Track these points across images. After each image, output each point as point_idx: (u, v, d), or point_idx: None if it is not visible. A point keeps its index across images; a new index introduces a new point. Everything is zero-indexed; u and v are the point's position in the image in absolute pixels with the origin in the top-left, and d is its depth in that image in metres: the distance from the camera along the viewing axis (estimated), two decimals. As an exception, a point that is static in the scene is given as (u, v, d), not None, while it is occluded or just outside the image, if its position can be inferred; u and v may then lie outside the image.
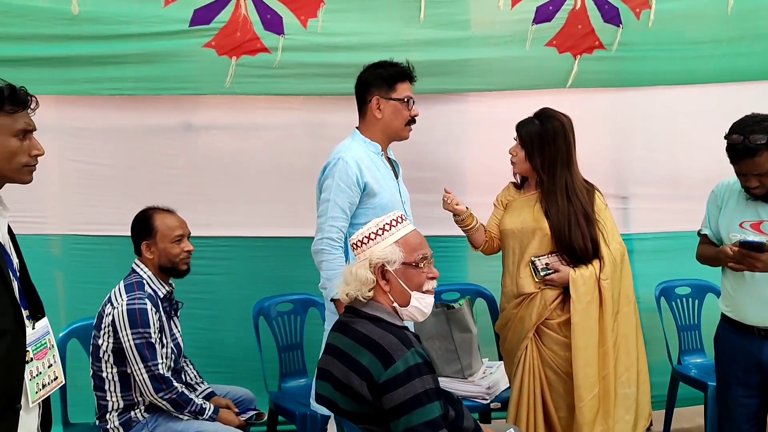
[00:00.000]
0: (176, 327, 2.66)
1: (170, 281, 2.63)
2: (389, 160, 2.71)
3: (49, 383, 1.74)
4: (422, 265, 1.94)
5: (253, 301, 3.17)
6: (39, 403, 1.72)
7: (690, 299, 3.48)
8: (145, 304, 2.44)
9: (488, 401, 2.90)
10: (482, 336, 3.14)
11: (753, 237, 2.38)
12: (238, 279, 3.26)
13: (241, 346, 3.22)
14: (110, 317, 2.45)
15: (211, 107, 3.26)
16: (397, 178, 2.70)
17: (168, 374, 2.46)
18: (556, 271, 2.65)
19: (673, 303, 3.45)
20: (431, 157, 3.31)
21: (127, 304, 2.43)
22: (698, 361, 3.44)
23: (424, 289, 1.94)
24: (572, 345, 2.61)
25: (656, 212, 3.54)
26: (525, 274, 2.70)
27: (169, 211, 2.64)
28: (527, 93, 3.39)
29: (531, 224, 2.69)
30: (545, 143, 2.64)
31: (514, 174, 2.84)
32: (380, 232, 1.91)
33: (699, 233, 2.68)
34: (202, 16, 3.04)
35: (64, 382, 1.83)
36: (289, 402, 2.93)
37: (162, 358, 2.45)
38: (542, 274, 2.66)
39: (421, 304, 1.94)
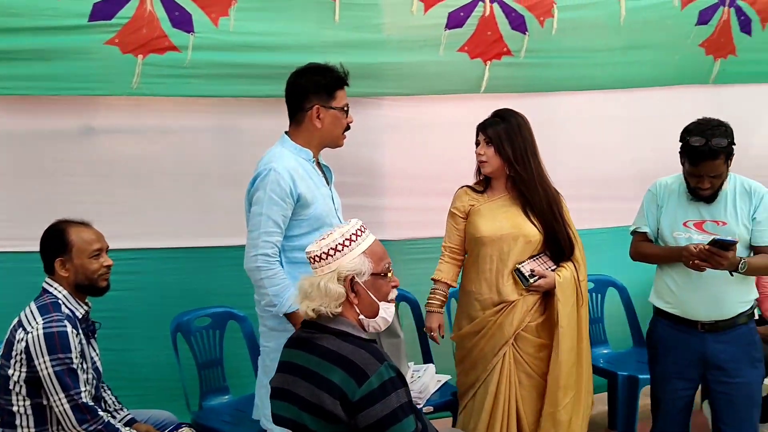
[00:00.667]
0: (94, 350, 2.43)
1: (87, 300, 2.39)
2: (320, 166, 2.62)
3: None
4: (389, 274, 1.90)
5: (165, 317, 2.98)
6: None
7: (593, 294, 3.68)
8: (65, 326, 2.20)
9: (421, 406, 2.89)
10: (406, 340, 3.14)
11: (723, 236, 2.47)
12: (149, 294, 3.05)
13: (155, 365, 3.02)
14: (23, 343, 2.18)
15: (113, 109, 3.02)
16: (329, 185, 2.61)
17: (91, 402, 2.23)
18: (542, 276, 2.66)
19: (581, 298, 3.62)
20: (351, 161, 3.25)
21: (43, 328, 2.18)
22: (604, 352, 3.65)
23: (389, 298, 1.91)
24: (558, 349, 2.63)
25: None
26: (509, 282, 2.68)
27: (84, 223, 2.41)
28: (442, 98, 3.45)
29: (512, 230, 2.67)
30: (514, 135, 2.67)
31: (477, 175, 2.81)
32: (346, 243, 1.83)
33: (634, 231, 2.79)
34: (102, 11, 2.79)
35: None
36: (214, 421, 2.79)
37: (84, 385, 2.22)
38: (531, 281, 2.65)
39: (387, 314, 1.90)
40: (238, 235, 3.13)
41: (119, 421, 2.45)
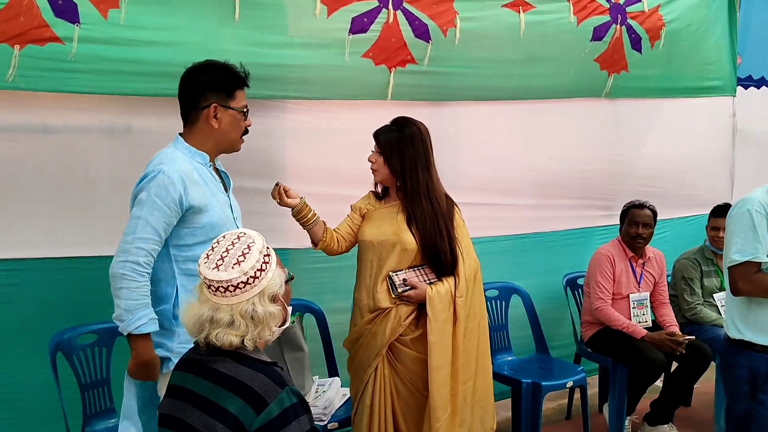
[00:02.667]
0: None
1: None
2: (217, 171, 2.43)
3: None
4: (291, 279, 1.78)
5: (43, 333, 2.69)
6: None
7: (498, 301, 3.70)
8: None
9: (326, 422, 2.76)
10: (311, 352, 3.01)
11: None
12: (24, 308, 2.73)
13: (32, 386, 2.70)
14: None
15: (-18, 104, 2.71)
16: (227, 191, 2.43)
17: None
18: (413, 287, 2.60)
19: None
20: (251, 166, 3.10)
21: None
22: (508, 359, 3.67)
23: (289, 304, 1.79)
24: (429, 365, 2.56)
25: (466, 220, 3.69)
26: (382, 289, 2.63)
27: None
28: (349, 103, 3.37)
29: (392, 237, 2.63)
30: (404, 147, 2.62)
31: (375, 184, 2.78)
32: (266, 259, 1.67)
33: (742, 263, 2.42)
34: (-29, -4, 2.52)
35: None
36: (99, 448, 2.52)
37: None
38: (399, 290, 2.60)
39: (289, 320, 1.77)
40: (127, 245, 2.94)
41: None
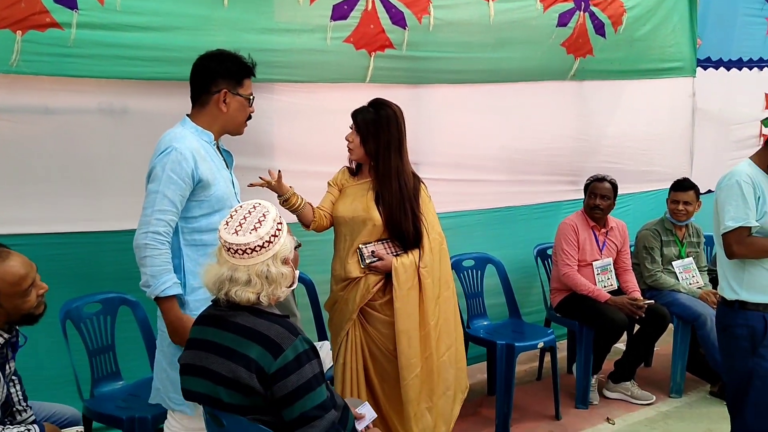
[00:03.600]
0: (10, 367, 2.26)
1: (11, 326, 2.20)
2: (220, 150, 2.61)
3: None
4: (299, 246, 2.01)
5: (53, 304, 2.83)
6: None
7: (474, 270, 3.95)
8: None
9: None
10: (303, 319, 3.23)
11: None
12: None
13: (44, 353, 2.87)
14: None
15: (-15, 87, 2.85)
16: (229, 168, 2.62)
17: None
18: (380, 258, 2.82)
19: (462, 274, 3.88)
20: (241, 144, 3.26)
21: None
22: (484, 323, 3.92)
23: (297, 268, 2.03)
24: (396, 329, 2.78)
25: (442, 195, 3.91)
26: (353, 260, 2.84)
27: (2, 253, 2.09)
28: (331, 86, 3.56)
29: (362, 214, 2.83)
30: (380, 129, 2.81)
31: (350, 161, 2.96)
32: (279, 227, 1.89)
33: (735, 228, 2.64)
34: (-28, -18, 2.65)
35: None
36: (107, 407, 2.72)
37: None
38: (367, 261, 2.82)
39: (296, 282, 2.00)
40: (127, 219, 3.08)
41: (22, 421, 2.32)
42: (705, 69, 5.28)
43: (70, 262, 3.00)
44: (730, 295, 2.74)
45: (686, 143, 5.27)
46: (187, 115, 2.55)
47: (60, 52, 2.82)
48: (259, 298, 1.85)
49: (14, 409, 2.34)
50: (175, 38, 3.04)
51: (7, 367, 2.25)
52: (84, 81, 2.96)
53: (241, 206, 1.94)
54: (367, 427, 2.14)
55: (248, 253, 1.84)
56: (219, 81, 2.47)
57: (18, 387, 2.38)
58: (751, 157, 2.78)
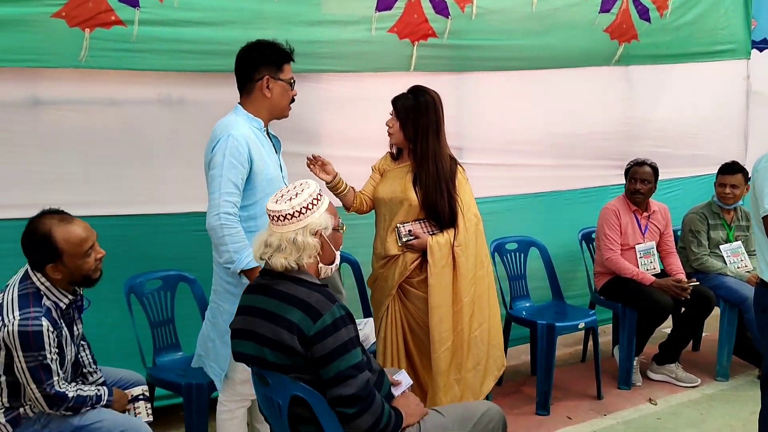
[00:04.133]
0: (77, 327, 2.50)
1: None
2: (269, 136, 2.78)
3: None
4: (342, 228, 2.15)
5: (116, 280, 3.08)
6: None
7: (517, 253, 4.03)
8: (40, 324, 2.20)
9: (362, 353, 3.14)
10: (348, 297, 3.38)
11: None
12: None
13: (110, 326, 3.12)
14: (0, 333, 2.21)
15: (59, 81, 3.07)
16: (277, 154, 2.78)
17: (64, 388, 2.29)
18: (416, 237, 2.95)
19: (505, 257, 3.96)
20: (291, 132, 3.45)
21: (19, 325, 2.18)
22: (526, 305, 4.00)
23: (340, 249, 2.17)
24: (429, 304, 2.90)
25: (487, 180, 4.02)
26: (391, 239, 2.99)
27: (67, 218, 2.32)
28: (375, 75, 3.69)
29: (400, 195, 2.97)
30: (419, 114, 2.93)
31: (391, 145, 3.10)
32: (315, 202, 2.05)
33: None
34: (48, -16, 2.90)
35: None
36: (168, 375, 2.94)
37: (57, 375, 2.27)
38: (404, 239, 2.96)
39: (338, 261, 2.17)
40: (184, 203, 3.34)
41: (93, 383, 2.55)
42: (761, 51, 5.18)
43: (132, 242, 3.24)
44: None
45: (740, 127, 5.19)
46: (239, 103, 2.73)
47: (123, 47, 3.05)
48: (289, 263, 2.00)
49: (85, 371, 2.57)
50: (229, 32, 3.23)
51: (75, 327, 2.48)
52: (145, 74, 3.19)
53: (290, 184, 2.13)
54: (404, 392, 2.26)
55: (281, 220, 2.02)
56: (261, 68, 2.64)
57: (87, 351, 2.62)
58: None
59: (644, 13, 4.37)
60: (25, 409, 2.34)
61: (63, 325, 2.35)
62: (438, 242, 2.93)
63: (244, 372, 2.58)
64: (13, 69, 2.95)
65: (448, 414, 2.19)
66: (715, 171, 4.42)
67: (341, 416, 1.94)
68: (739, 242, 4.21)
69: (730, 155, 4.77)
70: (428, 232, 2.97)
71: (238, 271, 2.54)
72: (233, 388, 2.66)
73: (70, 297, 2.39)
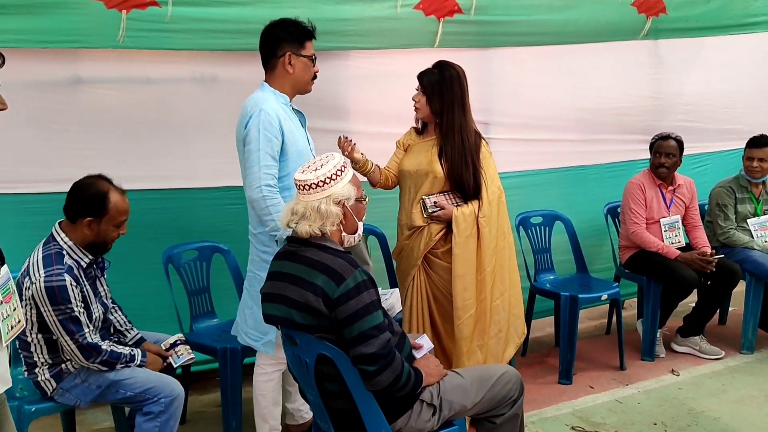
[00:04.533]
0: (102, 286, 2.69)
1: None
2: (294, 111, 2.88)
3: (15, 324, 1.77)
4: (364, 200, 2.25)
5: (154, 251, 3.25)
6: (9, 344, 1.75)
7: (542, 227, 4.09)
8: (64, 279, 2.39)
9: (388, 322, 3.25)
10: (376, 269, 3.49)
11: None
12: (138, 231, 3.18)
13: (148, 294, 3.28)
14: (30, 291, 2.41)
15: (97, 61, 3.22)
16: (303, 128, 2.88)
17: (96, 339, 2.48)
18: (442, 208, 3.03)
19: (529, 231, 4.03)
20: (320, 108, 3.53)
21: (44, 281, 2.38)
22: (550, 278, 4.07)
23: (363, 219, 2.28)
24: (453, 273, 3.00)
25: (513, 154, 4.07)
26: (416, 210, 3.08)
27: (121, 190, 2.58)
28: (401, 51, 3.76)
29: (425, 167, 3.06)
30: (444, 88, 3.01)
31: (416, 120, 3.19)
32: (338, 173, 2.16)
33: None
34: (86, -32, 3.02)
35: (25, 325, 1.84)
36: (204, 339, 3.10)
37: (87, 327, 2.46)
38: (430, 211, 3.05)
39: (360, 231, 2.28)
40: (216, 178, 3.48)
41: (130, 340, 2.75)
42: (795, 23, 5.08)
43: (168, 214, 3.39)
44: None
45: (772, 100, 5.11)
46: (264, 80, 2.83)
47: (158, 27, 3.17)
48: (313, 229, 2.11)
49: (121, 329, 2.76)
50: (258, 11, 3.31)
51: (99, 286, 2.66)
52: (179, 53, 3.31)
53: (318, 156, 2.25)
54: (425, 355, 2.37)
55: (306, 189, 2.14)
56: (283, 45, 2.75)
57: (120, 313, 2.80)
58: None
59: (674, -14, 4.33)
60: (66, 365, 2.52)
61: (85, 282, 2.53)
62: (463, 213, 3.01)
63: (280, 336, 2.72)
64: (54, 50, 3.10)
65: (467, 375, 2.30)
66: (744, 146, 4.40)
67: (363, 373, 2.05)
68: (767, 216, 4.19)
69: (762, 129, 4.70)
70: (453, 203, 3.05)
71: (284, 238, 2.64)
72: (272, 351, 2.80)
73: (91, 257, 2.57)
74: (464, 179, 3.02)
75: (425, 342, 2.41)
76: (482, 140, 3.13)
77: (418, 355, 2.34)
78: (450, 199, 3.06)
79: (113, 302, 2.79)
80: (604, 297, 3.78)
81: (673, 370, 3.82)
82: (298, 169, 2.22)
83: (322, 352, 2.08)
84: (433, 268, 3.09)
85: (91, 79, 3.24)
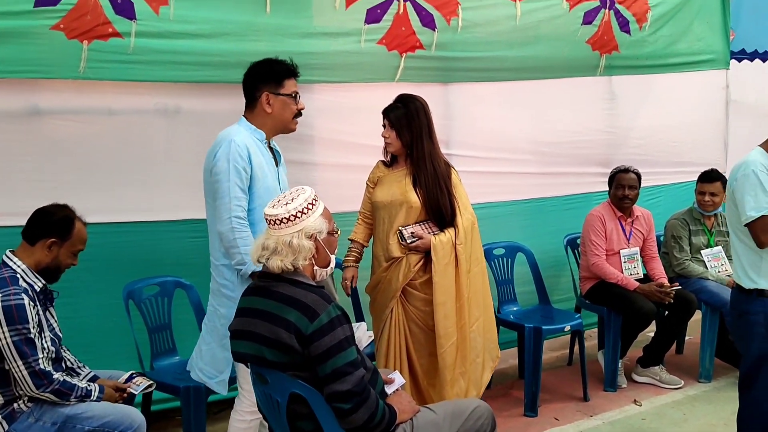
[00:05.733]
0: (53, 317, 2.62)
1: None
2: (271, 149, 2.84)
3: None
4: (336, 233, 2.24)
5: (113, 286, 3.16)
6: None
7: (505, 259, 4.13)
8: (22, 299, 2.37)
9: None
10: (341, 302, 3.45)
11: None
12: (97, 265, 3.19)
13: (106, 330, 3.19)
14: None
15: (57, 91, 3.16)
16: (277, 166, 2.83)
17: (48, 367, 2.41)
18: (420, 238, 3.04)
19: (492, 262, 4.06)
20: (287, 140, 3.51)
21: (2, 301, 2.34)
22: (514, 309, 4.10)
23: (335, 252, 2.26)
24: (434, 301, 3.00)
25: (475, 187, 4.08)
26: (393, 241, 3.09)
27: (83, 222, 2.64)
28: (364, 85, 3.80)
29: (399, 197, 3.08)
30: (411, 120, 3.06)
31: (385, 153, 3.22)
32: (310, 206, 2.14)
33: (759, 218, 2.68)
34: (47, -3, 2.97)
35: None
36: (167, 378, 3.00)
37: (42, 352, 2.40)
38: (408, 241, 3.05)
39: (332, 264, 2.26)
40: (180, 210, 3.42)
41: (83, 378, 2.65)
42: (739, 61, 5.34)
43: (129, 248, 3.31)
44: (748, 284, 2.80)
45: (720, 135, 5.34)
46: (243, 115, 2.80)
47: (121, 59, 3.14)
48: (285, 265, 2.08)
49: (70, 366, 2.67)
50: (223, 44, 3.33)
51: (49, 314, 2.59)
52: (142, 84, 3.27)
53: (288, 190, 2.23)
54: (396, 391, 2.34)
55: (278, 224, 2.12)
56: (260, 86, 2.74)
57: (69, 353, 2.70)
58: (761, 145, 2.83)
59: (624, 25, 4.52)
60: (18, 404, 2.43)
61: (40, 309, 2.49)
62: (441, 241, 3.03)
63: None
64: (12, 80, 3.02)
65: (439, 411, 2.28)
66: (696, 178, 4.56)
67: (338, 411, 2.02)
68: (720, 247, 4.33)
69: (711, 163, 4.91)
70: (430, 232, 3.07)
71: (248, 274, 2.60)
72: (251, 398, 2.71)
73: (42, 282, 2.54)
74: (441, 204, 3.05)
75: (397, 377, 2.39)
76: (451, 168, 3.17)
77: (389, 390, 2.32)
78: (426, 228, 3.08)
79: (60, 342, 2.68)
80: (567, 328, 3.83)
81: (635, 401, 3.87)
82: (269, 203, 2.19)
83: (295, 391, 2.03)
84: (410, 300, 3.08)
85: (50, 110, 3.17)
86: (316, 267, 2.20)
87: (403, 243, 3.05)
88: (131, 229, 3.33)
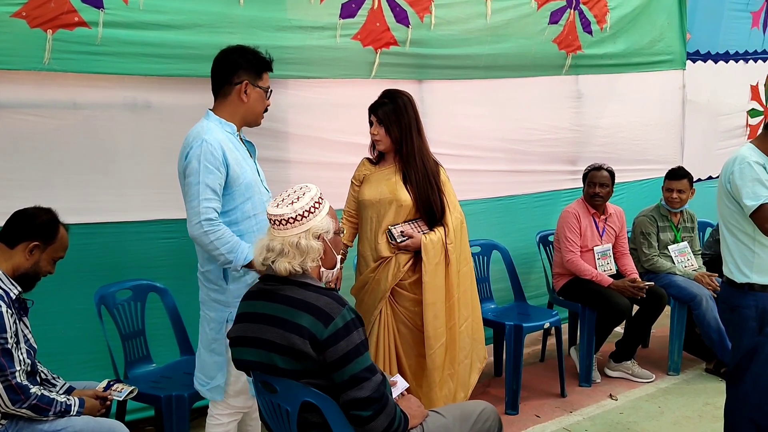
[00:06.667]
0: (27, 328, 2.43)
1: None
2: (242, 141, 2.71)
3: None
4: (342, 232, 2.13)
5: (83, 290, 2.97)
6: None
7: (480, 256, 4.10)
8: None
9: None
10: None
11: None
12: (65, 269, 2.95)
13: (76, 338, 3.00)
14: None
15: (19, 84, 2.94)
16: (252, 158, 2.72)
17: (25, 381, 2.24)
18: (410, 237, 2.97)
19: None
20: (260, 136, 3.38)
21: None
22: (491, 307, 4.08)
23: (341, 253, 2.16)
24: (423, 301, 2.93)
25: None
26: (382, 241, 2.99)
27: (67, 229, 2.53)
28: (339, 81, 3.70)
29: (388, 195, 2.98)
30: (400, 115, 2.98)
31: (372, 151, 3.13)
32: (317, 205, 2.03)
33: (759, 206, 2.68)
34: (5, -18, 2.76)
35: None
36: (144, 387, 2.82)
37: (19, 365, 2.23)
38: (398, 240, 2.97)
39: (339, 265, 2.16)
40: (149, 210, 3.25)
41: (58, 390, 2.47)
42: (694, 62, 5.49)
43: (96, 250, 3.13)
44: (740, 279, 2.82)
45: (677, 134, 5.47)
46: (210, 109, 2.65)
47: (88, 50, 2.95)
48: (293, 267, 1.98)
49: (45, 378, 2.49)
50: (195, 36, 3.17)
51: (24, 325, 2.42)
52: (109, 77, 3.09)
53: (290, 187, 2.10)
54: (402, 394, 2.27)
55: (284, 225, 2.00)
56: (241, 72, 2.58)
57: (41, 365, 2.52)
58: (752, 142, 2.87)
59: (587, 26, 4.57)
60: None
61: (16, 318, 2.33)
62: (431, 240, 2.96)
63: (237, 383, 2.53)
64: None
65: (448, 414, 2.21)
66: (658, 176, 4.66)
67: (356, 419, 1.93)
68: (686, 243, 4.43)
69: (670, 161, 5.04)
70: (420, 231, 3.00)
71: (239, 268, 2.48)
72: (226, 401, 2.59)
73: (17, 290, 2.38)
74: (432, 201, 2.98)
75: (400, 380, 2.31)
76: (439, 166, 3.11)
77: (394, 393, 2.24)
78: (416, 227, 3.01)
79: (35, 354, 2.49)
80: (547, 325, 3.83)
81: (611, 395, 3.91)
82: (270, 202, 2.07)
83: (307, 399, 1.93)
84: (399, 300, 3.01)
85: (11, 104, 2.95)
86: (322, 269, 2.09)
87: (393, 242, 2.97)
88: (98, 230, 3.14)
